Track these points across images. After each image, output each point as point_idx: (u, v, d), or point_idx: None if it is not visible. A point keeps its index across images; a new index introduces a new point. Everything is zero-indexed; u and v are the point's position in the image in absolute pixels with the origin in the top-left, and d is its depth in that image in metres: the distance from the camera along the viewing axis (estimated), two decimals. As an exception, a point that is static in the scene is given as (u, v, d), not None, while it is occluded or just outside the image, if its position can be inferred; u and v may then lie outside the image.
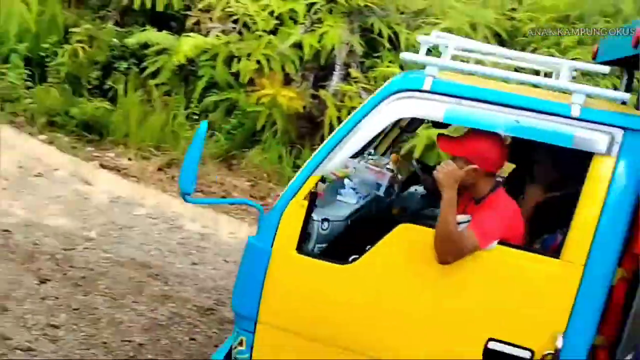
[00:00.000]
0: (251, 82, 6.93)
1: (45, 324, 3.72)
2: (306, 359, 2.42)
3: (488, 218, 2.29)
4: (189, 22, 7.47)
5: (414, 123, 3.41)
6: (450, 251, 2.21)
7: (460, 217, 2.30)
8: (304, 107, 6.81)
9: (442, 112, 2.27)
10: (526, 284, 2.22)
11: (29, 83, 7.51)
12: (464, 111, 2.25)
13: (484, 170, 2.33)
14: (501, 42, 6.66)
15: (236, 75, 7.02)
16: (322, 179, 2.83)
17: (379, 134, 2.78)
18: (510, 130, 2.26)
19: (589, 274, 2.14)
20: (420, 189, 3.32)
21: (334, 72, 6.93)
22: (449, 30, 5.65)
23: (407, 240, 2.34)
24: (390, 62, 6.78)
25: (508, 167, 3.07)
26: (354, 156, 2.78)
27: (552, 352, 2.13)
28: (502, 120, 2.22)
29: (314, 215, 2.53)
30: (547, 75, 2.99)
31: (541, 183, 2.67)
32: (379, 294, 2.36)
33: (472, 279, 2.27)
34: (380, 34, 6.92)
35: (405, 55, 2.41)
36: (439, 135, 2.51)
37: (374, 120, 2.36)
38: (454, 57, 2.59)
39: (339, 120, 6.11)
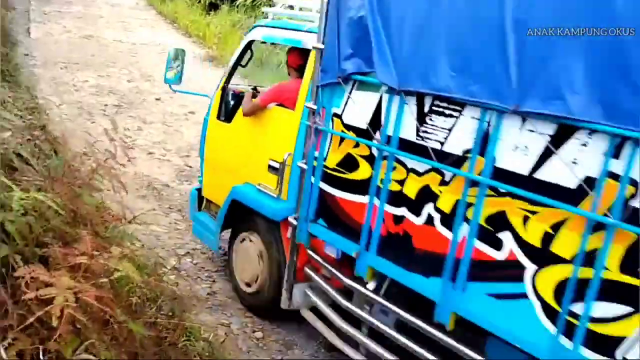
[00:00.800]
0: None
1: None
2: (217, 180, 4.63)
3: (269, 90, 4.19)
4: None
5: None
6: (244, 107, 4.21)
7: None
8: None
9: (261, 35, 4.35)
10: (282, 127, 3.93)
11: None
12: (268, 34, 4.30)
13: (290, 64, 4.16)
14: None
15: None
16: (255, 88, 4.82)
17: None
18: (280, 41, 4.33)
19: (302, 121, 3.64)
20: None
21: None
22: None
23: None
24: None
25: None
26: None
27: (281, 161, 3.81)
28: (278, 36, 4.23)
29: (232, 101, 4.67)
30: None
31: None
32: (235, 138, 4.37)
33: (264, 125, 4.11)
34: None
35: (266, 9, 4.58)
36: (290, 49, 4.18)
37: (242, 43, 4.49)
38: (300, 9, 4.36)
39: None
